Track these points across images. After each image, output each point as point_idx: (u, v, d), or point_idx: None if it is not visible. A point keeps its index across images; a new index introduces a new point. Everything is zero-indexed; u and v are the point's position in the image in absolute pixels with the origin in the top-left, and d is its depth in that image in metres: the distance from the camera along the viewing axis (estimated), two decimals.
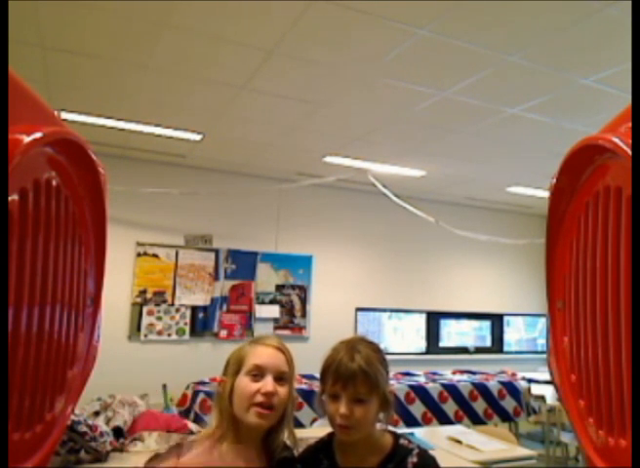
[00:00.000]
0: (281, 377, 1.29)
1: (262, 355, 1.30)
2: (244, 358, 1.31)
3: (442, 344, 6.82)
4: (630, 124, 0.79)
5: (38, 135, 0.77)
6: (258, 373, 1.27)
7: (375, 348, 1.35)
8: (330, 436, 1.40)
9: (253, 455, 1.28)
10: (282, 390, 1.27)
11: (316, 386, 4.99)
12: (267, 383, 1.26)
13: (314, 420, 4.16)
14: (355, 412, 1.25)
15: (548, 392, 4.81)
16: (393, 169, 5.49)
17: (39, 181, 0.82)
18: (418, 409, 4.94)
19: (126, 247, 5.36)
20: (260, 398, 1.24)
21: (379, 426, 1.35)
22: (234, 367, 1.31)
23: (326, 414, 1.33)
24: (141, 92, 3.80)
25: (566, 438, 4.44)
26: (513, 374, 5.89)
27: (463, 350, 6.90)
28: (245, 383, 1.27)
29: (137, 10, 2.73)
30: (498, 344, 7.18)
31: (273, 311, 5.92)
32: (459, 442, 2.77)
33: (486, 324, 7.16)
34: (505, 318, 7.28)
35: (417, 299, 6.74)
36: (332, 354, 1.34)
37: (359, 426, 1.26)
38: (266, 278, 5.98)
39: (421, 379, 5.62)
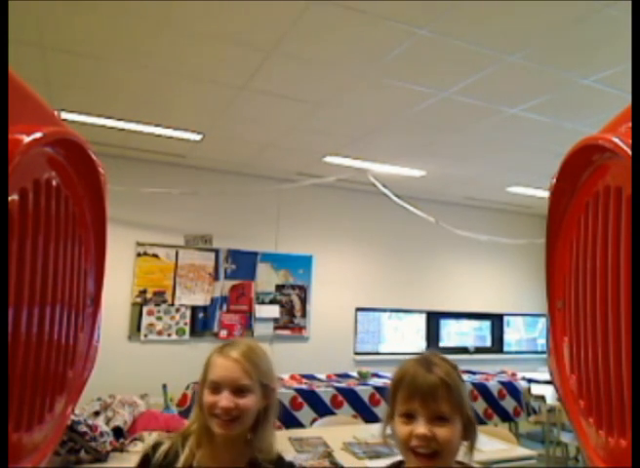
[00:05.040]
0: (241, 390, 1.26)
1: (219, 369, 1.28)
2: (207, 369, 1.31)
3: (442, 344, 6.82)
4: (630, 124, 0.79)
5: (38, 135, 0.77)
6: (215, 388, 1.27)
7: (452, 364, 1.16)
8: (399, 464, 1.20)
9: (226, 458, 1.28)
10: (243, 401, 1.25)
11: (316, 386, 5.00)
12: (222, 399, 1.24)
13: (314, 420, 4.17)
14: (437, 434, 1.04)
15: (548, 392, 4.80)
16: (393, 169, 5.49)
17: (39, 181, 0.82)
18: None
19: (126, 247, 5.36)
20: (218, 411, 1.24)
21: (460, 458, 1.12)
22: (203, 374, 1.32)
23: (396, 439, 1.12)
24: (142, 92, 3.80)
25: (566, 438, 4.44)
26: (513, 374, 5.89)
27: (463, 350, 6.90)
28: (205, 395, 1.28)
29: (136, 10, 2.73)
30: (498, 344, 7.18)
31: (273, 311, 5.92)
32: None
33: (486, 324, 7.16)
34: (505, 318, 7.28)
35: (417, 299, 6.74)
36: (402, 368, 1.15)
37: (442, 451, 1.04)
38: (266, 278, 5.97)
39: None
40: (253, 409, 1.27)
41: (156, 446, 1.33)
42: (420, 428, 1.04)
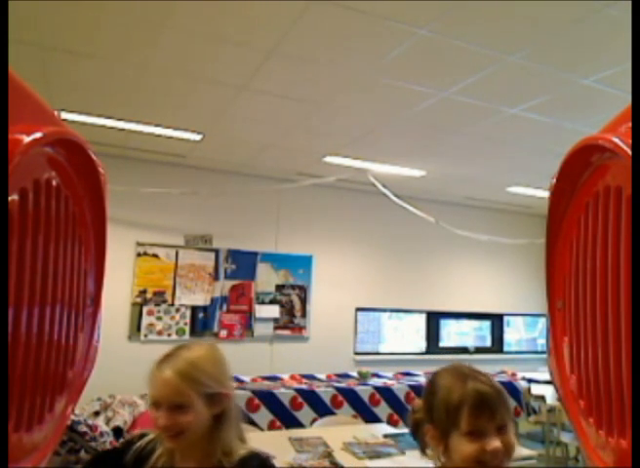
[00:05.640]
0: (178, 407, 1.23)
1: (154, 387, 1.26)
2: (148, 382, 1.29)
3: (442, 344, 6.82)
4: (630, 124, 0.79)
5: (38, 135, 0.77)
6: (155, 404, 1.26)
7: (476, 368, 1.20)
8: None
9: (191, 459, 1.30)
10: (183, 418, 1.23)
11: (316, 386, 4.98)
12: (160, 417, 1.23)
13: (314, 420, 4.17)
14: (506, 442, 1.08)
15: (548, 392, 4.81)
16: (393, 169, 5.49)
17: (39, 181, 0.82)
18: None
19: (126, 247, 5.36)
20: (160, 426, 1.24)
21: None
22: None
23: (457, 457, 1.11)
24: (141, 92, 3.80)
25: (566, 438, 4.44)
26: (513, 374, 5.90)
27: (463, 350, 6.90)
28: (150, 410, 1.29)
29: (137, 10, 2.73)
30: (498, 344, 7.18)
31: (273, 311, 5.91)
32: None
33: (486, 324, 7.15)
34: (505, 318, 7.27)
35: (417, 299, 6.74)
36: (450, 386, 1.15)
37: (510, 456, 1.09)
38: (266, 278, 5.97)
39: (421, 379, 5.62)
40: (196, 422, 1.25)
41: (142, 435, 1.37)
42: (494, 442, 1.06)
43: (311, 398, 4.62)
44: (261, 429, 4.26)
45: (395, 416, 4.91)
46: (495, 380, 1.16)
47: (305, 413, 4.54)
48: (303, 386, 4.81)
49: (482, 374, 1.16)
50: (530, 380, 5.47)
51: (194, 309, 5.60)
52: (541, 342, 7.49)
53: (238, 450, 1.30)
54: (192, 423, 1.24)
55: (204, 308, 5.64)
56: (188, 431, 1.24)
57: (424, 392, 1.24)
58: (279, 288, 6.03)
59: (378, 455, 2.69)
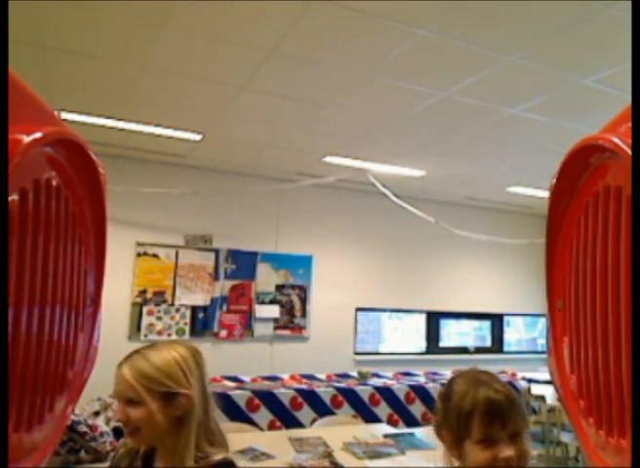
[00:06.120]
0: (130, 401, 1.26)
1: (115, 382, 1.29)
2: None
3: (442, 344, 6.82)
4: (630, 124, 0.79)
5: (38, 135, 0.77)
6: (118, 401, 1.29)
7: (495, 375, 1.20)
8: None
9: (164, 461, 1.31)
10: (134, 413, 1.24)
11: (316, 386, 4.98)
12: (116, 412, 1.27)
13: (314, 420, 4.17)
14: (520, 450, 1.08)
15: (548, 392, 4.81)
16: (393, 169, 5.49)
17: (39, 181, 0.82)
18: (417, 408, 4.94)
19: (126, 247, 5.36)
20: (118, 421, 1.27)
21: None
22: None
23: (468, 463, 1.11)
24: (141, 92, 3.80)
25: (566, 438, 4.44)
26: (513, 374, 5.90)
27: (463, 350, 6.90)
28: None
29: (137, 10, 2.73)
30: (498, 344, 7.18)
31: (273, 311, 5.92)
32: None
33: (486, 324, 7.15)
34: (505, 318, 7.27)
35: (417, 299, 6.74)
36: (462, 393, 1.15)
37: (524, 464, 1.08)
38: (266, 278, 5.97)
39: (421, 379, 5.63)
40: (149, 419, 1.24)
41: (125, 443, 1.39)
42: (508, 450, 1.06)
43: (311, 398, 4.63)
44: (261, 429, 4.26)
45: (395, 416, 4.91)
46: (510, 388, 1.14)
47: (305, 413, 4.54)
48: (303, 386, 4.82)
49: (497, 382, 1.15)
50: (530, 380, 5.47)
51: (194, 309, 5.60)
52: (541, 342, 7.49)
53: (210, 456, 1.27)
54: (144, 420, 1.24)
55: (204, 308, 5.64)
56: (144, 429, 1.25)
57: (441, 395, 1.23)
58: (279, 288, 6.03)
59: (378, 455, 2.69)
